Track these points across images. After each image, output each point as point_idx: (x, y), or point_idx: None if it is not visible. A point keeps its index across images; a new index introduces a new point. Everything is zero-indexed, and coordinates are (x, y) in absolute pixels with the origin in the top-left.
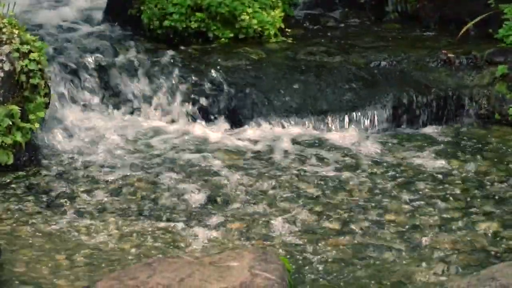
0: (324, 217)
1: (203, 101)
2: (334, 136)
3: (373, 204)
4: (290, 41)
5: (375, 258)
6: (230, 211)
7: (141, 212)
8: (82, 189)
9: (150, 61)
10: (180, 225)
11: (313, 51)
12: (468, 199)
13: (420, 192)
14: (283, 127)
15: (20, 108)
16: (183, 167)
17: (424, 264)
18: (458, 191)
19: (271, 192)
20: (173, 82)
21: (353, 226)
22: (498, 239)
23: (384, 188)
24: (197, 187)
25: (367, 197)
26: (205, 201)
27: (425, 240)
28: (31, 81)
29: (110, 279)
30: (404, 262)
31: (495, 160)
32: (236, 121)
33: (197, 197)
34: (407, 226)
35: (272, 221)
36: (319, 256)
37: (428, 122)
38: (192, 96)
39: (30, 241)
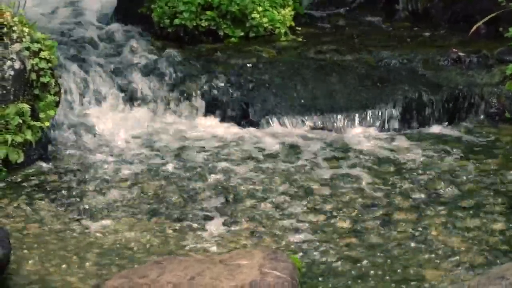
0: (334, 215)
1: (213, 99)
2: (344, 135)
3: (383, 203)
4: (300, 39)
5: (385, 257)
6: (240, 210)
7: (152, 210)
8: (92, 187)
9: (160, 60)
10: (191, 224)
11: (323, 50)
12: (479, 197)
13: (431, 191)
14: (294, 125)
15: (30, 107)
16: (194, 165)
17: (434, 262)
18: (468, 190)
19: (281, 190)
20: (183, 80)
21: (363, 225)
22: (508, 237)
23: (395, 187)
24: (208, 185)
25: (378, 195)
26: (216, 200)
27: (435, 239)
28: (42, 79)
29: (120, 277)
30: (414, 261)
31: (506, 158)
32: (246, 119)
33: (208, 196)
34: (417, 225)
35: (282, 220)
36: (329, 255)
37: (438, 120)
38: (203, 94)
39: (41, 239)
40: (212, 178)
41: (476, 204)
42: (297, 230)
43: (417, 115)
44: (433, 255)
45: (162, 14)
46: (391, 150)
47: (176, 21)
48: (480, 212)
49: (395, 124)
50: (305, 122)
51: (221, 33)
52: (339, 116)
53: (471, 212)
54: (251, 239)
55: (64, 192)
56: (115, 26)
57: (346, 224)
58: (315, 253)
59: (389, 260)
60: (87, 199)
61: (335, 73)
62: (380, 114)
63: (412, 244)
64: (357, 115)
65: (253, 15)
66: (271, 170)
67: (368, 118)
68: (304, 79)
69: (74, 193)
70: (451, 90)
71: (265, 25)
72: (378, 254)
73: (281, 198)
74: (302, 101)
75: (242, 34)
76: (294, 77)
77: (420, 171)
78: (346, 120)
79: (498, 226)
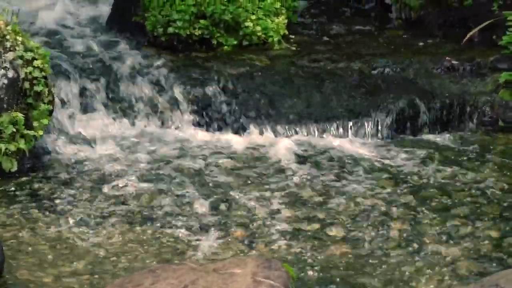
0: (328, 224)
1: (206, 108)
2: (338, 143)
3: (376, 212)
4: (294, 48)
5: (378, 266)
6: (233, 218)
7: (144, 219)
8: (85, 196)
9: (154, 68)
10: (184, 232)
11: (317, 58)
12: (472, 206)
13: (424, 199)
14: (287, 134)
15: (23, 115)
16: (186, 174)
17: (427, 271)
18: (462, 198)
19: (274, 199)
20: (176, 89)
21: (356, 234)
22: (502, 246)
23: (388, 195)
24: (200, 193)
25: (370, 204)
26: (208, 208)
27: (428, 247)
28: (35, 88)
29: (114, 286)
30: (407, 270)
31: (499, 167)
32: (239, 127)
33: (200, 204)
34: (410, 234)
35: (275, 229)
36: (323, 264)
37: (432, 129)
38: (196, 103)
39: (33, 248)
40: (204, 186)
41: (470, 212)
42: (290, 239)
43: (411, 123)
44: (427, 264)
45: (156, 22)
46: (384, 158)
47: (170, 30)
48: (473, 220)
49: (389, 132)
50: (299, 130)
51: (214, 41)
52: (332, 124)
53: (464, 220)
54: (245, 248)
55: (57, 200)
56: (108, 34)
57: (339, 233)
58: (308, 261)
59: (382, 269)
60: (80, 207)
61: (329, 82)
62: (373, 122)
63: (406, 253)
64: (350, 123)
65: (246, 24)
66: (263, 178)
67: (361, 126)
68: (297, 88)
69: (67, 201)
70: (444, 99)
71: (259, 33)
72: (372, 263)
73: (275, 207)
74: (296, 109)
75: (235, 42)
76: (288, 85)
77: (413, 179)
78: (339, 128)
79: (492, 234)
